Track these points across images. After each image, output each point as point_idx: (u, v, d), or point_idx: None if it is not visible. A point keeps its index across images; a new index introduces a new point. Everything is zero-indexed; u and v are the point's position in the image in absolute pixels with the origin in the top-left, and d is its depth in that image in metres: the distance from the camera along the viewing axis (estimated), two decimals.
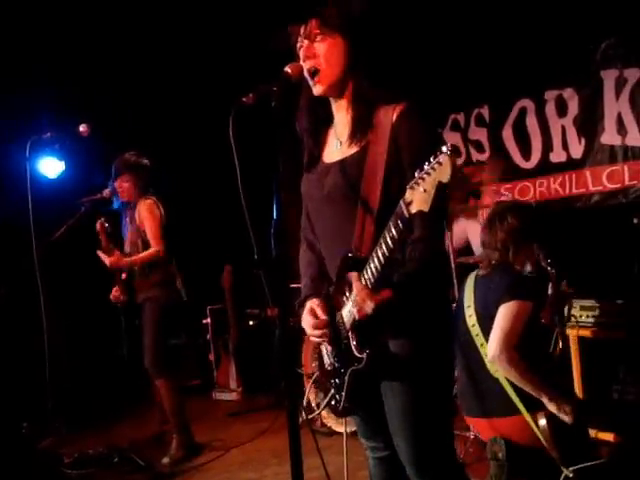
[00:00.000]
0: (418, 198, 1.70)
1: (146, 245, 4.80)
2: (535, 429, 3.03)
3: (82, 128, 4.45)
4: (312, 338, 2.27)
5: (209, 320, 7.03)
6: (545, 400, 3.06)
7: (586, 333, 4.16)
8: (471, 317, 3.26)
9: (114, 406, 6.23)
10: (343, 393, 2.17)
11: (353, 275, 2.01)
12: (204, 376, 7.16)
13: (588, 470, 3.00)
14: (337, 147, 2.25)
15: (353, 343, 2.09)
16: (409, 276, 2.05)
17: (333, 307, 2.22)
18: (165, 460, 4.72)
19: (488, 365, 3.15)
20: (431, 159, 1.68)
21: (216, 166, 4.80)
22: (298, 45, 2.19)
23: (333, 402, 2.25)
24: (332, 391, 2.25)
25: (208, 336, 7.06)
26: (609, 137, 5.24)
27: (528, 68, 5.52)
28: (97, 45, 6.00)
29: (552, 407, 3.05)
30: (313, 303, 2.27)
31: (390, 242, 1.85)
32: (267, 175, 2.01)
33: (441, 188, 1.67)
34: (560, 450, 3.02)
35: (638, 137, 5.06)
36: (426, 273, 2.09)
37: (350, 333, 2.11)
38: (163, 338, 4.87)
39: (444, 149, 1.66)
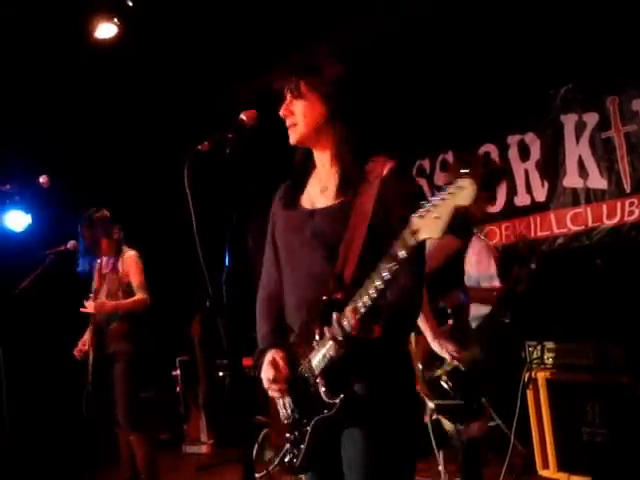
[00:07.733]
0: (428, 225, 1.67)
1: (127, 296, 4.71)
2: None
3: (42, 179, 4.40)
4: (270, 392, 2.20)
5: (178, 372, 6.90)
6: (429, 336, 3.18)
7: (554, 375, 4.17)
8: None
9: (79, 465, 6.07)
10: (302, 446, 2.10)
11: (336, 314, 1.92)
12: (174, 429, 6.98)
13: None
14: (321, 193, 2.24)
15: (322, 389, 2.04)
16: (394, 320, 2.04)
17: (295, 359, 2.16)
18: None
19: None
20: (450, 184, 1.62)
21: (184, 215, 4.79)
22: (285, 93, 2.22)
23: (288, 458, 2.16)
24: (288, 446, 2.17)
25: (178, 388, 6.92)
26: (571, 180, 5.32)
27: (490, 114, 5.62)
28: (53, 96, 6.00)
29: (435, 345, 3.17)
30: (276, 354, 2.20)
31: (388, 273, 1.80)
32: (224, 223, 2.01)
33: (457, 213, 1.62)
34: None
35: (599, 179, 5.14)
36: (405, 321, 2.14)
37: (319, 379, 2.05)
38: (136, 391, 4.73)
39: (466, 171, 1.60)
